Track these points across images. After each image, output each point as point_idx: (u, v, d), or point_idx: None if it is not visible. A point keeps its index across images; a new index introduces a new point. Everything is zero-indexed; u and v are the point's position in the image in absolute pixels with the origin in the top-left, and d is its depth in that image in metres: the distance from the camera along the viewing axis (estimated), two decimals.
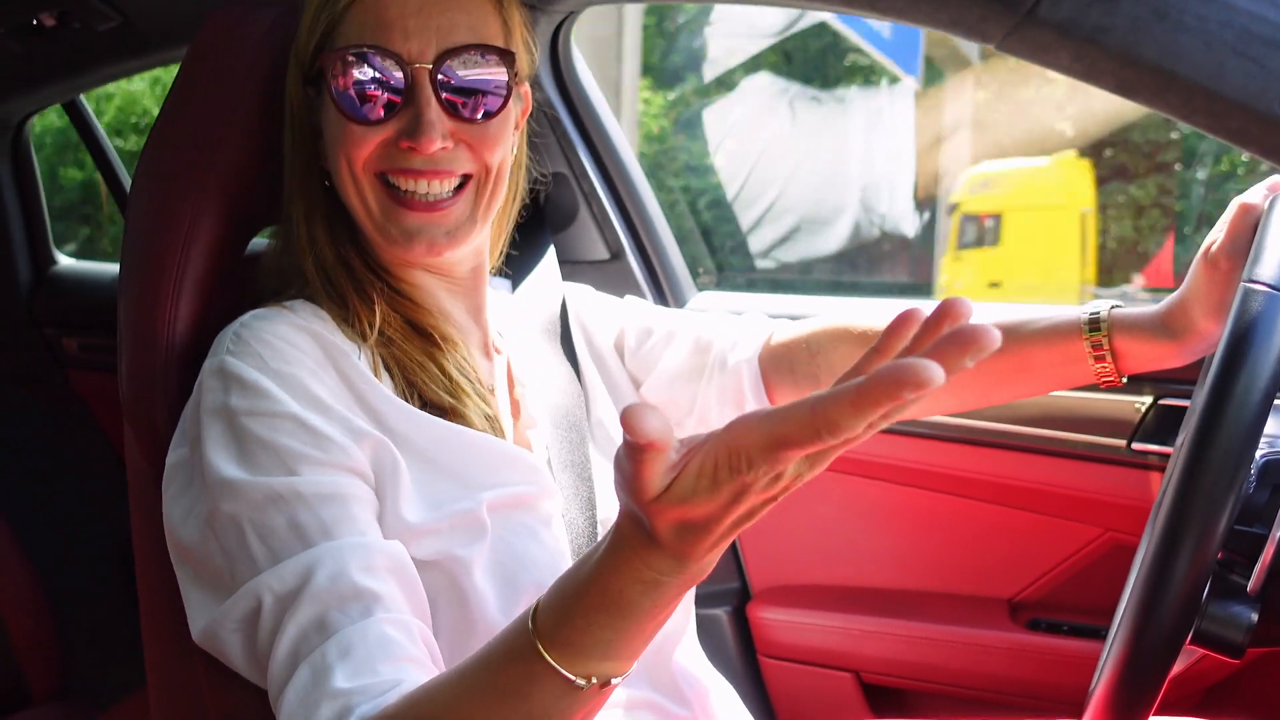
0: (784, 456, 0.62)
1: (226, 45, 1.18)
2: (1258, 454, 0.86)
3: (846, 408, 0.58)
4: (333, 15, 1.05)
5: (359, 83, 1.03)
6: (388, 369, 1.08)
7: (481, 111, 1.06)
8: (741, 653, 1.91)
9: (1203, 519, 0.75)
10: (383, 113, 1.03)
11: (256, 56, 1.17)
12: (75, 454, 2.67)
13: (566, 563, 1.08)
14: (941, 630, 1.75)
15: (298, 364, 1.00)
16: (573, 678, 0.76)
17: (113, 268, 2.61)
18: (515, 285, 1.38)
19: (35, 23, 1.88)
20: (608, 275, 1.93)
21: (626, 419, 0.64)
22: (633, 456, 0.66)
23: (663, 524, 0.69)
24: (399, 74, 1.03)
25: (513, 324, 1.28)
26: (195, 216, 1.15)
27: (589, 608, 0.75)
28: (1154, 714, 0.87)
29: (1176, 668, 0.85)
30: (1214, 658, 0.89)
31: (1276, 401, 0.86)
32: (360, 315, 1.08)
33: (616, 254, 1.93)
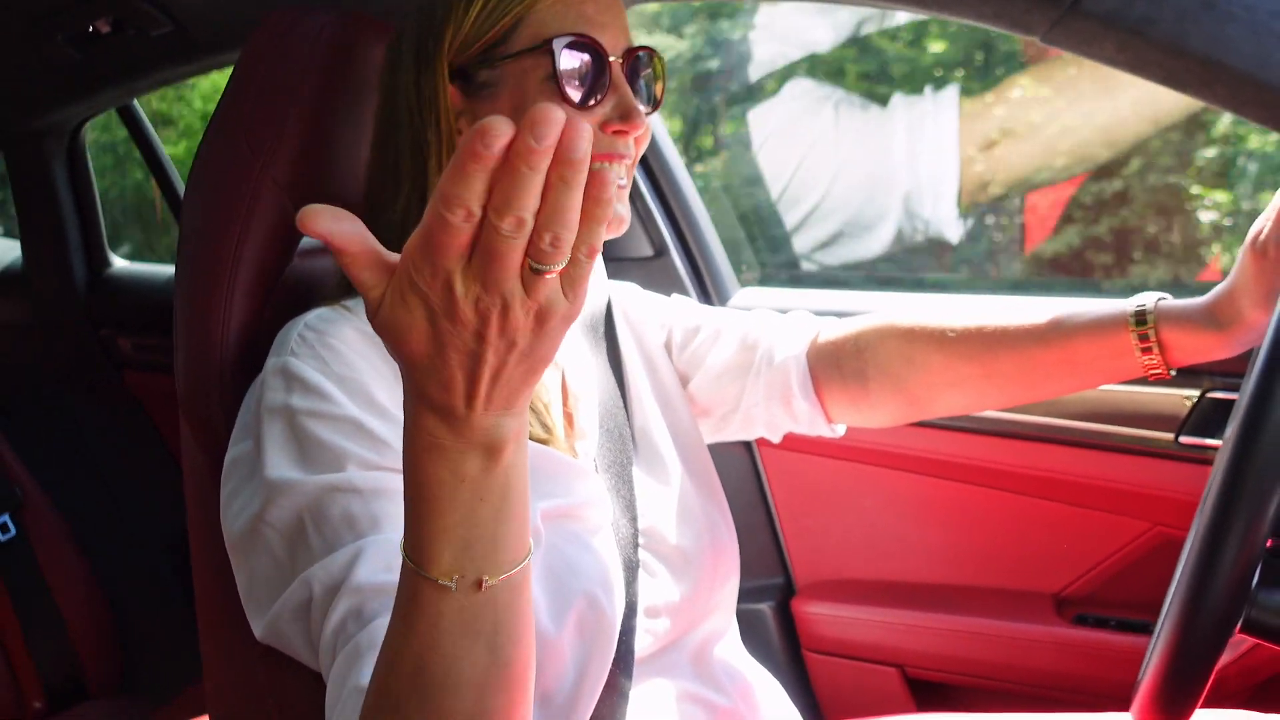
0: (439, 246, 0.62)
1: (280, 48, 1.20)
2: None
3: (447, 174, 0.61)
4: (521, 8, 1.07)
5: (577, 69, 1.06)
6: None
7: (648, 107, 1.13)
8: (786, 647, 1.92)
9: (1251, 505, 0.75)
10: (596, 98, 1.08)
11: (311, 58, 1.19)
12: (131, 452, 2.72)
13: (616, 571, 1.09)
14: (987, 625, 1.75)
15: (359, 369, 1.02)
16: (437, 579, 0.74)
17: (165, 269, 2.66)
18: None
19: (91, 30, 1.93)
20: (651, 272, 1.94)
21: (299, 217, 0.66)
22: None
23: (395, 359, 0.69)
24: (602, 64, 1.07)
25: None
26: (249, 217, 1.17)
27: (410, 504, 0.75)
28: (1202, 707, 0.87)
29: (1225, 658, 0.84)
30: (1264, 650, 0.89)
31: None
32: None
33: (660, 251, 1.94)
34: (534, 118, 0.58)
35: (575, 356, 1.26)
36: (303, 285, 1.21)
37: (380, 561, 0.92)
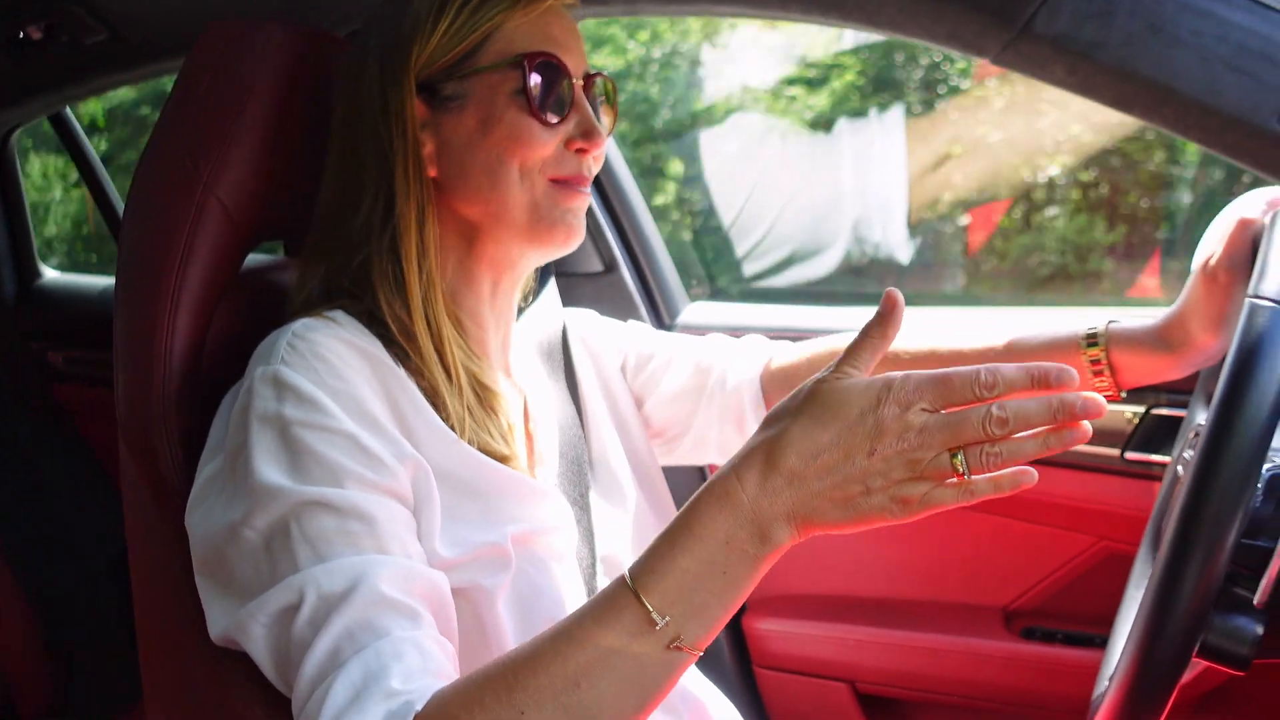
0: (945, 382, 0.79)
1: (225, 61, 1.17)
2: (1264, 468, 0.86)
3: (1014, 370, 0.79)
4: (490, 26, 1.08)
5: (540, 86, 1.08)
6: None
7: (606, 129, 1.16)
8: (737, 664, 1.91)
9: (1211, 534, 0.76)
10: (561, 116, 1.10)
11: (258, 73, 1.16)
12: (62, 468, 2.65)
13: (581, 595, 1.09)
14: (936, 639, 1.76)
15: (351, 381, 1.00)
16: (650, 610, 0.82)
17: (98, 280, 2.59)
18: (521, 309, 1.37)
19: (21, 36, 1.87)
20: (602, 288, 1.93)
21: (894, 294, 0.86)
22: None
23: (788, 414, 0.84)
24: (567, 84, 1.10)
25: (518, 350, 1.28)
26: (193, 233, 1.14)
27: (667, 538, 0.85)
28: None
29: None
30: (1215, 667, 0.90)
31: None
32: (428, 335, 1.08)
33: (610, 266, 1.93)
34: (1095, 403, 0.77)
35: (535, 383, 1.25)
36: (248, 307, 1.18)
37: (397, 583, 0.91)
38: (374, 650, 0.88)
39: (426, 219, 1.09)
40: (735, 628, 1.91)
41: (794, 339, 1.84)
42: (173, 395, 1.13)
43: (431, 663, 0.89)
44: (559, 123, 1.10)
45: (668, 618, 0.82)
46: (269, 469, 0.95)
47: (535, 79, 1.07)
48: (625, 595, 0.84)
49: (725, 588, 0.83)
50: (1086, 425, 0.78)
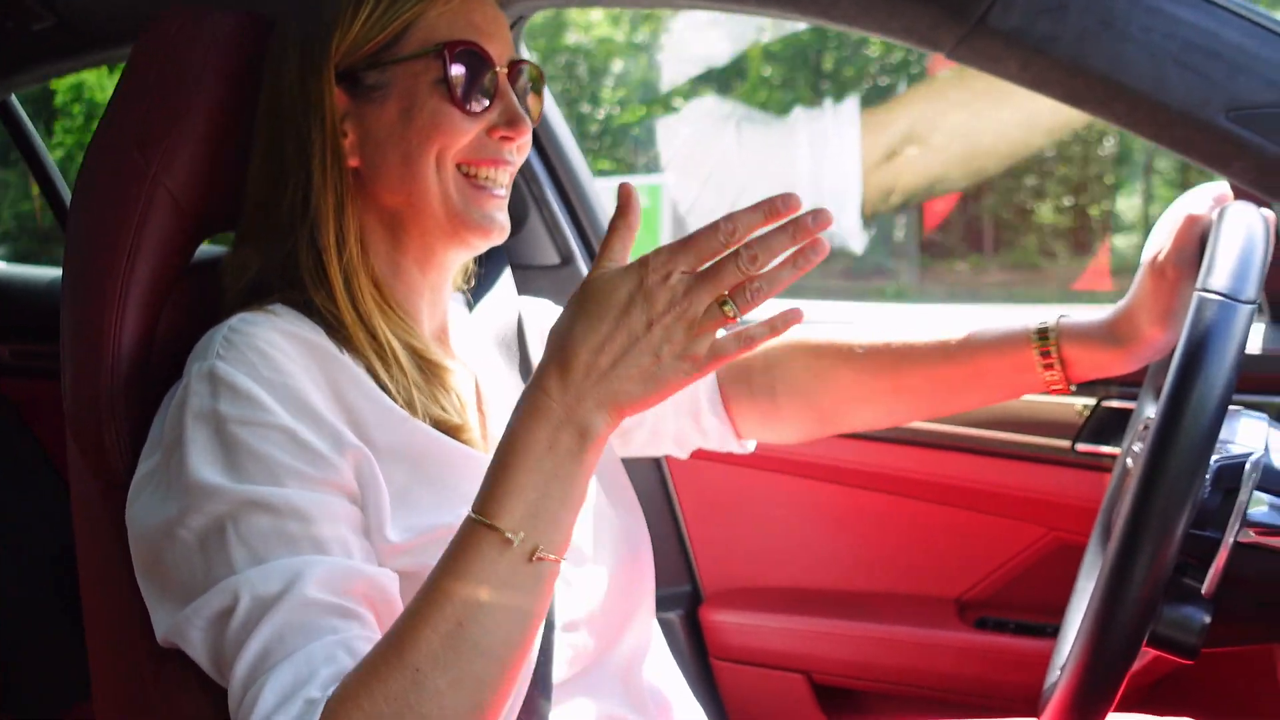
0: (692, 243, 0.85)
1: (173, 50, 1.15)
2: (1212, 460, 0.88)
3: (746, 211, 0.85)
4: (411, 14, 1.08)
5: (463, 75, 1.08)
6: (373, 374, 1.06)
7: (532, 118, 1.15)
8: (694, 656, 1.92)
9: (1160, 525, 0.77)
10: (484, 105, 1.09)
11: (207, 61, 1.14)
12: (8, 463, 2.60)
13: None
14: (891, 630, 1.77)
15: (289, 373, 0.99)
16: (504, 530, 0.85)
17: (46, 271, 2.55)
18: (475, 299, 1.36)
19: None
20: (558, 280, 1.93)
21: (626, 187, 0.90)
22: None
23: (569, 314, 0.88)
24: (490, 72, 1.10)
25: (472, 340, 1.27)
26: (142, 225, 1.12)
27: (497, 462, 0.88)
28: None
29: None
30: (1164, 656, 0.91)
31: (1230, 407, 0.88)
32: (359, 327, 1.07)
33: (567, 259, 1.92)
34: (824, 213, 0.86)
35: (489, 367, 1.25)
36: (197, 299, 1.16)
37: (330, 582, 0.91)
38: (304, 655, 0.87)
39: (345, 210, 1.09)
40: (692, 620, 1.92)
41: None
42: (121, 389, 1.11)
43: None
44: (482, 111, 1.09)
45: (521, 533, 0.86)
46: (204, 467, 0.94)
47: (457, 68, 1.07)
48: (477, 530, 0.86)
49: (565, 489, 0.88)
50: (825, 240, 0.87)
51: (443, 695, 0.84)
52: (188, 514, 0.93)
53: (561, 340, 0.88)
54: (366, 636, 0.90)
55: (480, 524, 0.86)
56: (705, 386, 1.34)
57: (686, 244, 0.86)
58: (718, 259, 0.86)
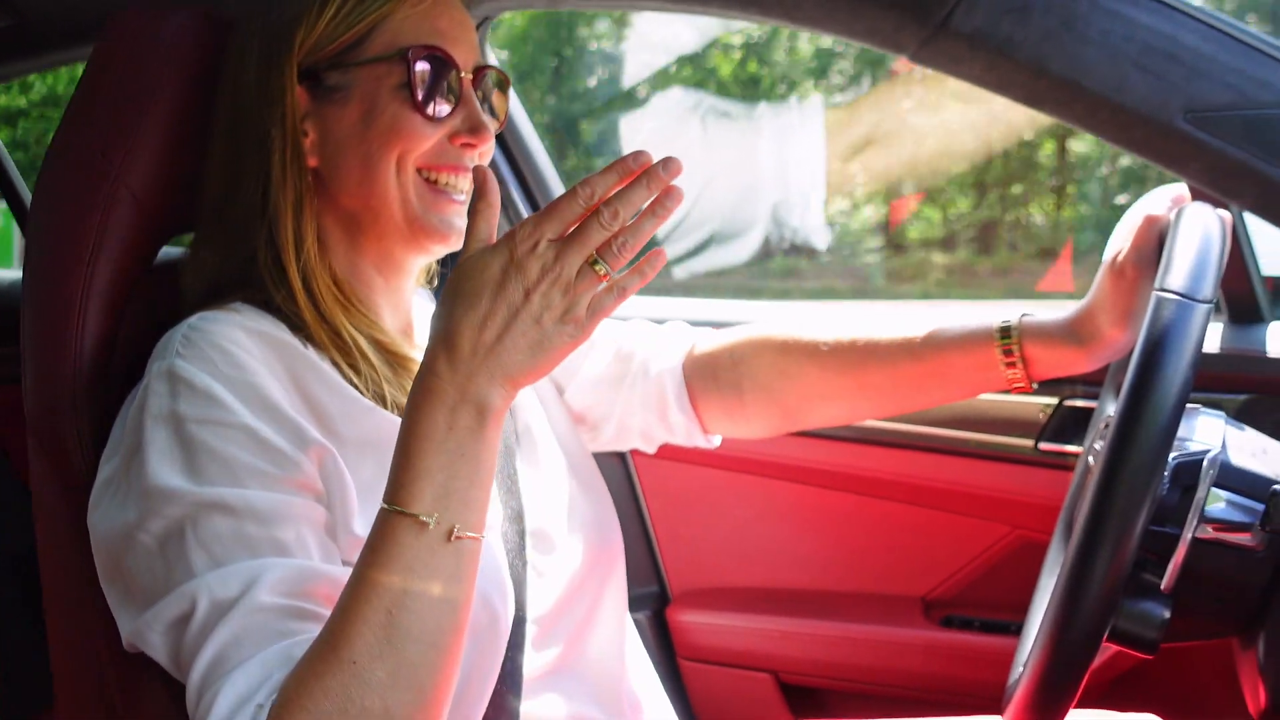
0: (554, 211, 0.87)
1: (134, 50, 1.14)
2: (1170, 457, 0.89)
3: (600, 174, 0.88)
4: (376, 16, 1.07)
5: (426, 81, 1.07)
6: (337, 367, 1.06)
7: (494, 123, 1.15)
8: (662, 656, 1.92)
9: (1121, 521, 0.78)
10: (446, 110, 1.09)
11: (168, 61, 1.14)
12: None
13: (504, 572, 1.08)
14: (858, 629, 1.78)
15: (250, 369, 0.98)
16: (418, 514, 0.86)
17: (5, 273, 2.51)
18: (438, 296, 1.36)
19: None
20: None
21: (482, 170, 0.94)
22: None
23: (448, 295, 0.89)
24: (454, 77, 1.09)
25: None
26: (103, 226, 1.11)
27: (401, 448, 0.88)
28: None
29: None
30: (1125, 651, 0.92)
31: (1188, 405, 0.90)
32: (321, 325, 1.06)
33: None
34: (673, 161, 0.88)
35: None
36: (160, 300, 1.15)
37: (287, 585, 0.91)
38: (259, 660, 0.87)
39: (303, 210, 1.08)
40: (660, 620, 1.92)
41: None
42: (83, 391, 1.10)
43: None
44: (445, 117, 1.09)
45: (435, 515, 0.86)
46: (164, 470, 0.93)
47: (420, 73, 1.07)
48: (392, 519, 0.86)
49: (473, 467, 0.88)
50: (679, 187, 0.89)
51: (383, 686, 0.84)
52: (147, 518, 0.93)
53: (444, 324, 0.88)
54: None
55: (394, 512, 0.86)
56: (672, 382, 1.35)
57: (548, 212, 0.88)
58: (581, 222, 0.88)
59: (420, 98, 1.06)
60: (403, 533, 0.86)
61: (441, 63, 1.08)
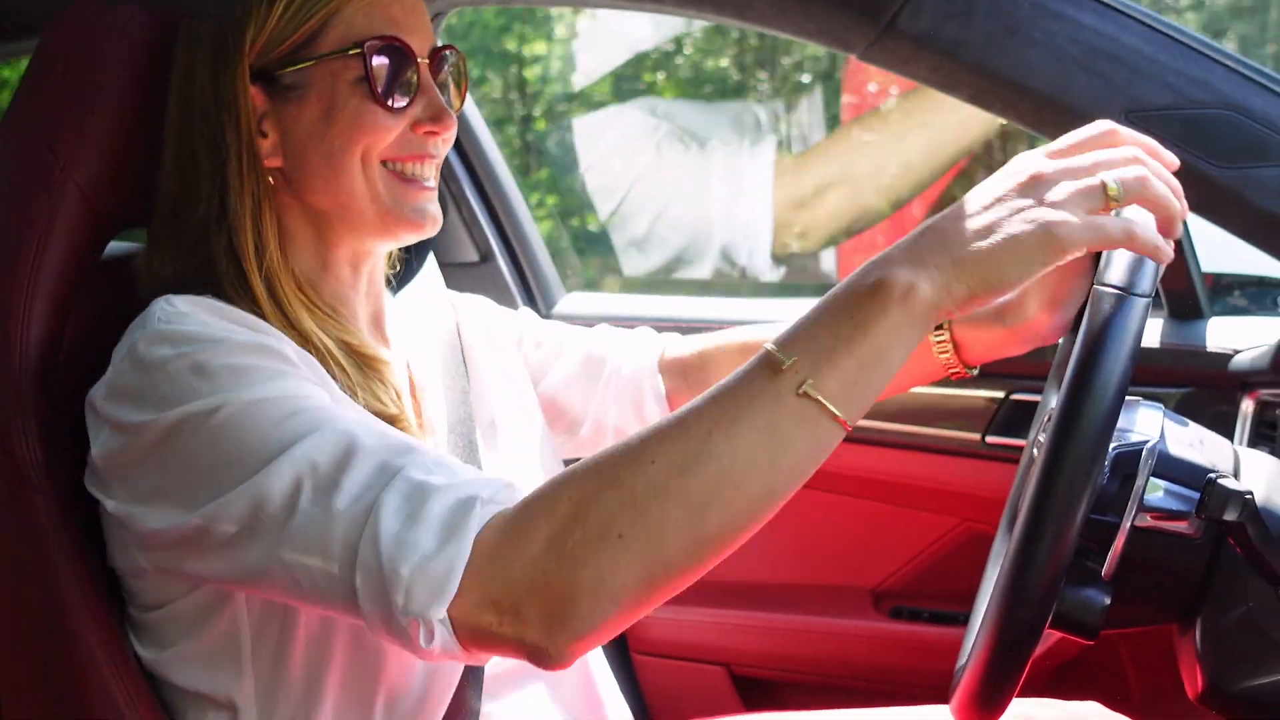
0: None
1: (83, 43, 1.13)
2: (1111, 448, 0.91)
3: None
4: (328, 10, 1.05)
5: (385, 72, 1.05)
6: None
7: (456, 106, 1.14)
8: (614, 650, 1.92)
9: (1062, 510, 0.79)
10: (406, 101, 1.07)
11: (118, 55, 1.12)
12: None
13: None
14: (809, 621, 1.80)
15: (235, 319, 0.99)
16: (779, 354, 0.81)
17: None
18: (400, 285, 1.36)
19: None
20: (477, 277, 1.92)
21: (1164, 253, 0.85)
22: None
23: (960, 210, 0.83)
24: (412, 66, 1.07)
25: (403, 325, 1.26)
26: (50, 220, 1.09)
27: (811, 310, 0.83)
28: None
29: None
30: (1066, 639, 0.94)
31: (1128, 398, 0.92)
32: (289, 331, 1.04)
33: (486, 256, 1.92)
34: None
35: (421, 353, 1.24)
36: (109, 296, 1.14)
37: (381, 430, 0.91)
38: (403, 476, 0.85)
39: (263, 215, 1.07)
40: None
41: (672, 329, 1.87)
42: (30, 389, 1.08)
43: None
44: (406, 107, 1.08)
45: (794, 357, 0.80)
46: (187, 399, 0.91)
47: (378, 65, 1.05)
48: (760, 357, 0.83)
49: (853, 332, 0.81)
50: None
51: (666, 497, 0.79)
52: (175, 433, 0.91)
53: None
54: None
55: (766, 352, 0.82)
56: (649, 380, 1.36)
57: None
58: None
59: (380, 90, 1.05)
60: (760, 369, 0.82)
61: (399, 52, 1.06)
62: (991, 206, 0.82)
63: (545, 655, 0.82)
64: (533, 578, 0.80)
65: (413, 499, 0.84)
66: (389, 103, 1.06)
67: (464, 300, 1.40)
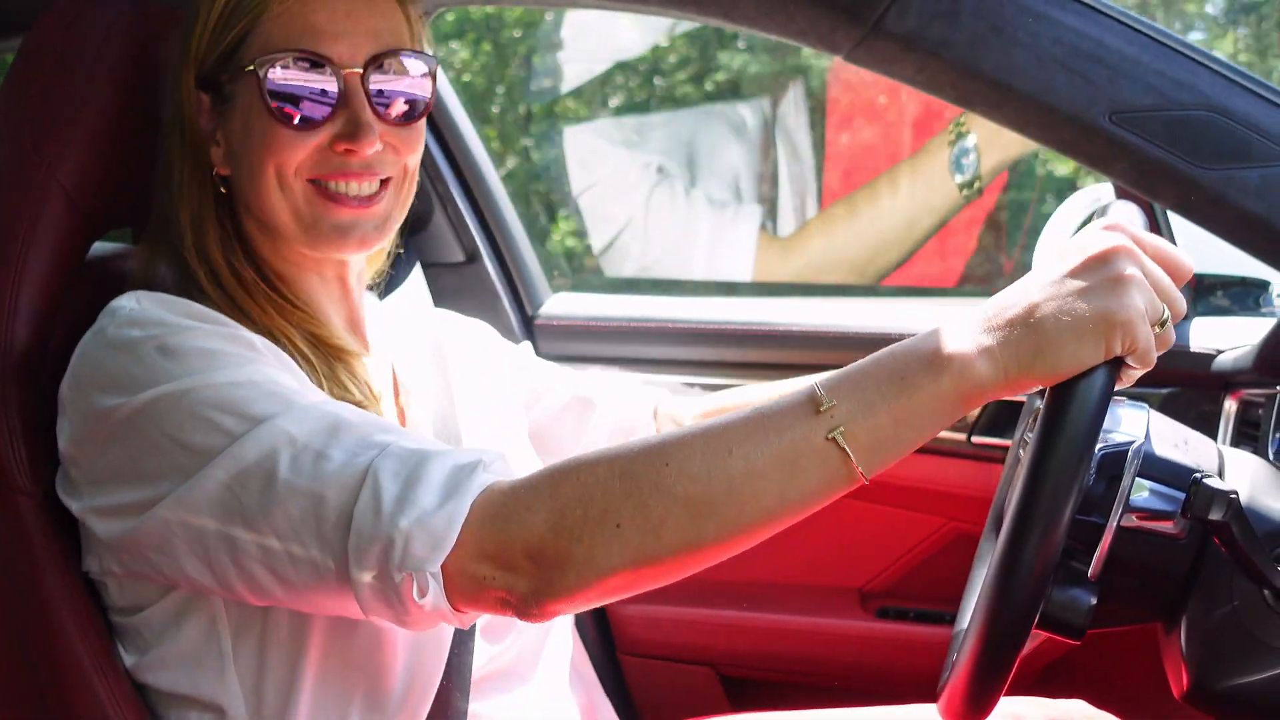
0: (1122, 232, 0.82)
1: (68, 40, 1.12)
2: (1096, 448, 0.91)
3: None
4: (249, 18, 1.02)
5: (292, 88, 1.01)
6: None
7: (406, 115, 1.07)
8: (602, 651, 1.92)
9: (1049, 511, 0.80)
10: (318, 118, 1.02)
11: (103, 53, 1.12)
12: None
13: None
14: (796, 621, 1.80)
15: (201, 316, 0.99)
16: (820, 393, 0.82)
17: None
18: (386, 292, 1.36)
19: None
20: (464, 278, 1.92)
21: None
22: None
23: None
24: (332, 79, 1.02)
25: (388, 331, 1.26)
26: (34, 220, 1.09)
27: (865, 360, 0.84)
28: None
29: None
30: (1054, 639, 0.94)
31: (1113, 398, 0.92)
32: (256, 325, 1.04)
33: (472, 256, 1.92)
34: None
35: (408, 359, 1.24)
36: (94, 295, 1.13)
37: (358, 410, 0.92)
38: (396, 447, 0.87)
39: (204, 222, 1.06)
40: (600, 616, 1.92)
41: (658, 330, 1.87)
42: (15, 388, 1.07)
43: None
44: (319, 123, 1.03)
45: (834, 402, 0.81)
46: (158, 380, 0.91)
47: (277, 82, 1.01)
48: (804, 386, 0.84)
49: (898, 393, 0.82)
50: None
51: (671, 504, 0.82)
52: (147, 413, 0.91)
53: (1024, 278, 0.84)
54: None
55: (810, 388, 0.83)
56: (645, 424, 1.39)
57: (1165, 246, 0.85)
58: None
59: (281, 109, 1.01)
60: (800, 401, 0.83)
61: (309, 64, 1.01)
62: (1067, 294, 0.81)
63: (529, 610, 0.85)
64: (528, 540, 0.83)
65: (410, 463, 0.85)
66: (293, 121, 1.02)
67: (461, 320, 1.40)
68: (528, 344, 1.51)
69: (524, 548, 0.83)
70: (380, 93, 1.05)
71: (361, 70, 1.03)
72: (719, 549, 0.84)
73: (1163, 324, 0.82)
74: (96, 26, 1.12)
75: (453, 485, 0.85)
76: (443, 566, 0.84)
